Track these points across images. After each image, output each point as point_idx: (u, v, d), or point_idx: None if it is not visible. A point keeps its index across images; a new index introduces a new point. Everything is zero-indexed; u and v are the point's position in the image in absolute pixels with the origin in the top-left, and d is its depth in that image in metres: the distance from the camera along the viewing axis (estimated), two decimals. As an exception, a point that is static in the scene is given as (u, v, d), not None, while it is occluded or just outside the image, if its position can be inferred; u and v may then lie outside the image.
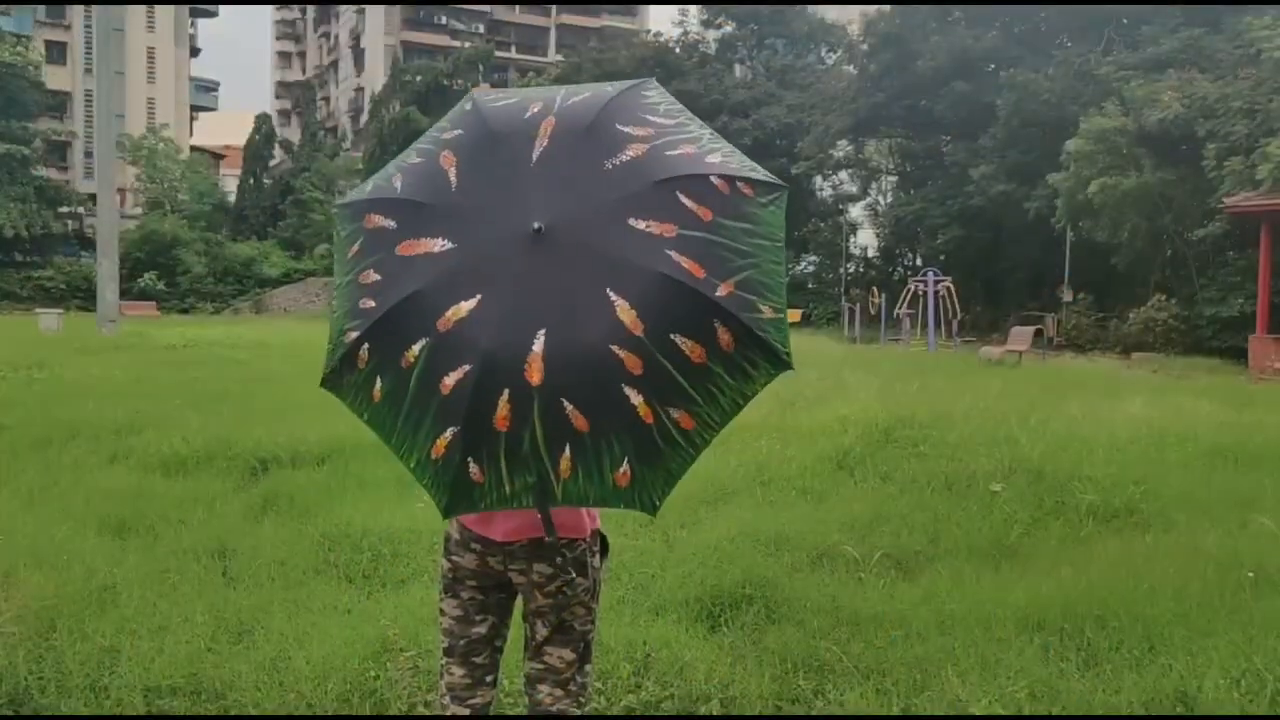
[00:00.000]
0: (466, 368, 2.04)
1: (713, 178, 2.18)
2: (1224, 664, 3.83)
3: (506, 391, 2.02)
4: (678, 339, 2.04)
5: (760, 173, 2.24)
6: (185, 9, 63.04)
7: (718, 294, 2.07)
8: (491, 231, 2.14)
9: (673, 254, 2.07)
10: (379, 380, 2.18)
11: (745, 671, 3.81)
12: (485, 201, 2.18)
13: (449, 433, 2.08)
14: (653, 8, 77.64)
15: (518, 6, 77.96)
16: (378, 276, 2.19)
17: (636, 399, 2.03)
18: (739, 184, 2.18)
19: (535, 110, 2.30)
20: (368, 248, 2.25)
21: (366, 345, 2.17)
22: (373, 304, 2.17)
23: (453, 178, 2.24)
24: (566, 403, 2.02)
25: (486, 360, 2.03)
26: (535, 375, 2.01)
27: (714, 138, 2.30)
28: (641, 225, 2.09)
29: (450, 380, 2.06)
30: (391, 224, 2.23)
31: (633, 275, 2.06)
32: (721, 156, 2.23)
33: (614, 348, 2.01)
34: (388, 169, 2.38)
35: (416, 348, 2.10)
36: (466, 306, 2.08)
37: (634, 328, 2.02)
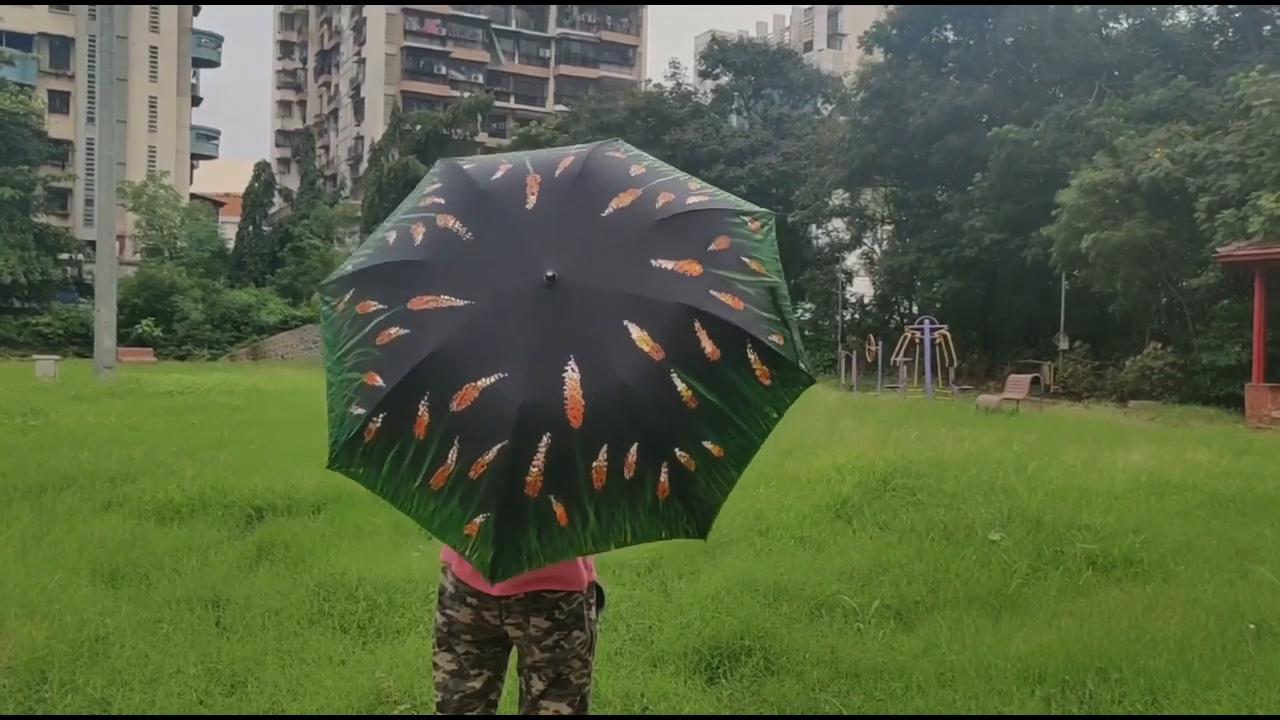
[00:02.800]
0: (501, 445, 2.00)
1: (711, 213, 2.24)
2: (1227, 717, 3.80)
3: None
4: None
5: (746, 205, 2.34)
6: (189, 60, 63.70)
7: (747, 322, 2.13)
8: (505, 284, 2.15)
9: (712, 291, 2.13)
10: (393, 453, 2.11)
11: (744, 725, 3.77)
12: (493, 255, 2.20)
13: (480, 518, 2.05)
14: (650, 58, 78.59)
15: (516, 56, 78.93)
16: (402, 331, 2.12)
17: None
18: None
19: (507, 169, 2.35)
20: (381, 308, 2.18)
21: (382, 416, 2.09)
22: (381, 378, 2.10)
23: (460, 234, 2.24)
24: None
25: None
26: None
27: (689, 179, 2.37)
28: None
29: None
30: (402, 283, 2.19)
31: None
32: (708, 195, 2.31)
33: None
34: (375, 238, 2.35)
35: (430, 419, 2.05)
36: (446, 302, 2.10)
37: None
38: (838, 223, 43.29)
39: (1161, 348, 24.31)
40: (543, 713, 2.68)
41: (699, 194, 2.30)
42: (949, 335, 27.70)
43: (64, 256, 50.72)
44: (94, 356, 25.65)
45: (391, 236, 2.31)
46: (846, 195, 40.83)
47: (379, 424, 2.09)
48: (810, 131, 43.95)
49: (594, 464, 2.02)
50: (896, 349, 28.65)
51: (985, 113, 32.64)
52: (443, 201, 2.32)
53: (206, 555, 6.30)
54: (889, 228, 41.87)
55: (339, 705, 3.70)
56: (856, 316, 41.96)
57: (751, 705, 3.98)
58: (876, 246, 42.99)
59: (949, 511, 7.43)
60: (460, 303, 2.13)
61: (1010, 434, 13.49)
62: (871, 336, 33.68)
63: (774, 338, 2.15)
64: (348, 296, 2.24)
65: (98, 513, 7.58)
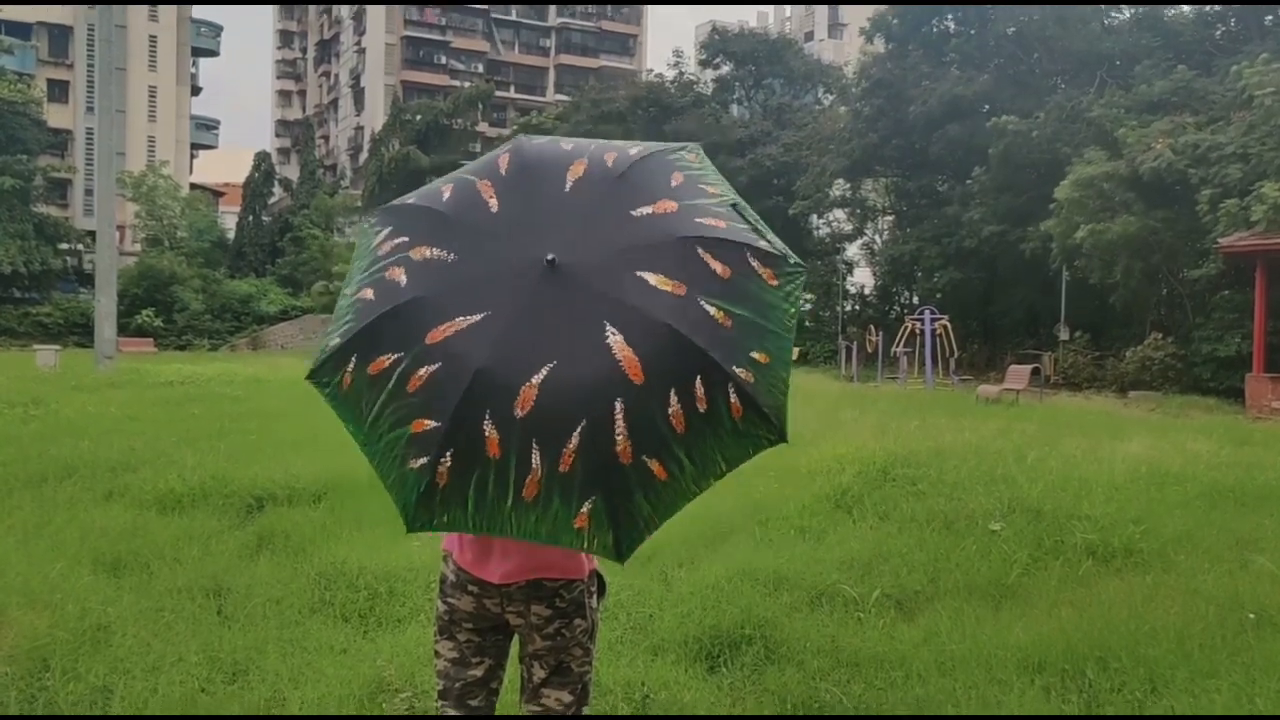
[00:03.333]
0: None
1: (740, 248, 2.22)
2: (1226, 706, 3.81)
3: (488, 412, 2.02)
4: (674, 392, 2.05)
5: (780, 248, 2.30)
6: (188, 49, 63.57)
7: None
8: (506, 254, 2.17)
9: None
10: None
11: (745, 713, 3.77)
12: (509, 228, 2.22)
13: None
14: (650, 48, 78.40)
15: (516, 46, 78.75)
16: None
17: (620, 440, 2.02)
18: (762, 262, 2.23)
19: (568, 149, 2.38)
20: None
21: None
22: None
23: (488, 203, 2.27)
24: (546, 437, 2.02)
25: (478, 377, 2.03)
26: (523, 408, 2.02)
27: (744, 209, 2.35)
28: (651, 279, 2.12)
29: (423, 373, 2.07)
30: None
31: (635, 320, 2.08)
32: (751, 231, 2.28)
33: (609, 389, 2.02)
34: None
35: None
36: (463, 323, 2.09)
37: (630, 369, 2.03)
38: (838, 213, 43.21)
39: (1162, 338, 24.30)
40: (544, 701, 2.69)
41: (745, 227, 2.29)
42: (949, 326, 27.67)
43: (64, 246, 50.71)
44: (94, 346, 25.65)
45: (369, 293, 2.25)
46: (847, 186, 40.74)
47: (449, 463, 2.07)
48: (811, 121, 43.85)
49: (669, 411, 2.04)
50: (897, 339, 28.62)
51: (986, 103, 32.56)
52: (407, 239, 2.29)
53: (207, 545, 6.31)
54: (889, 218, 41.79)
55: (340, 693, 3.71)
56: (857, 307, 41.93)
57: (752, 694, 3.99)
58: (877, 237, 42.92)
59: (949, 501, 7.44)
60: (477, 317, 2.12)
61: (1010, 424, 13.50)
62: (872, 327, 33.64)
63: (760, 243, 2.22)
64: (350, 367, 2.20)
65: (99, 502, 7.59)
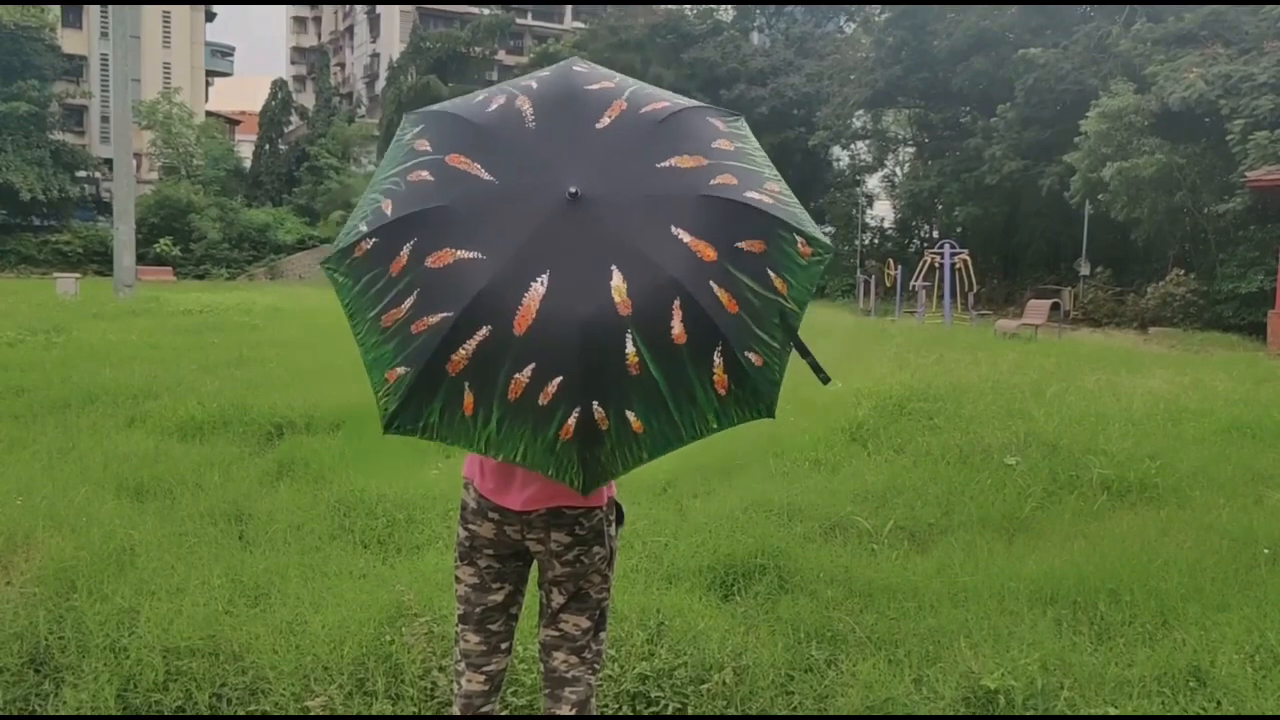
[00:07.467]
0: (445, 314, 2.05)
1: (768, 216, 2.19)
2: (1237, 639, 3.84)
3: (484, 330, 2.04)
4: (671, 335, 2.06)
5: (812, 227, 2.25)
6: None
7: (731, 329, 2.11)
8: (532, 180, 2.16)
9: (712, 281, 2.10)
10: (368, 276, 2.17)
11: (758, 640, 3.83)
12: (539, 153, 2.20)
13: (402, 369, 2.10)
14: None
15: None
16: (429, 177, 2.20)
17: (631, 357, 2.04)
18: (792, 235, 2.20)
19: (609, 86, 2.34)
20: (428, 152, 2.25)
21: (374, 241, 2.17)
22: (390, 209, 2.18)
23: (526, 120, 2.26)
24: (534, 363, 2.03)
25: (474, 303, 2.04)
26: (520, 327, 2.03)
27: (774, 179, 2.30)
28: (684, 237, 2.11)
29: (428, 321, 2.08)
30: (455, 138, 2.25)
31: (644, 269, 2.07)
32: (773, 199, 2.23)
33: (614, 315, 2.02)
34: (482, 94, 2.40)
35: (407, 263, 2.12)
36: (464, 254, 2.09)
37: (623, 307, 2.02)
38: (859, 145, 42.69)
39: (1184, 274, 24.06)
40: (562, 626, 2.73)
41: (765, 194, 2.23)
42: (969, 260, 27.43)
43: (81, 174, 50.65)
44: (114, 275, 25.76)
45: (482, 98, 2.36)
46: (868, 116, 40.20)
47: (369, 246, 2.18)
48: (833, 51, 43.11)
49: (516, 375, 2.03)
50: (916, 273, 28.41)
51: (1011, 34, 31.90)
52: (535, 86, 2.35)
53: (228, 471, 6.39)
54: (910, 149, 41.26)
55: (360, 617, 3.77)
56: (876, 240, 41.62)
57: (765, 622, 4.03)
58: (898, 169, 42.44)
59: (965, 435, 7.44)
60: (486, 177, 2.17)
61: (1028, 359, 13.45)
62: (891, 261, 33.39)
63: (751, 355, 2.14)
64: (417, 130, 2.33)
65: (121, 428, 7.68)
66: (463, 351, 2.05)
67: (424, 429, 2.14)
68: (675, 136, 2.24)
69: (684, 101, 2.36)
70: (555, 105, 2.28)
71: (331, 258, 2.23)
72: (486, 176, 2.17)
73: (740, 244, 2.14)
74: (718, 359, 2.09)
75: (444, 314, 2.05)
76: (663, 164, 2.19)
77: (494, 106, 2.31)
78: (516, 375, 2.04)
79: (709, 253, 2.10)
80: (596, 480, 2.14)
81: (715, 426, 2.15)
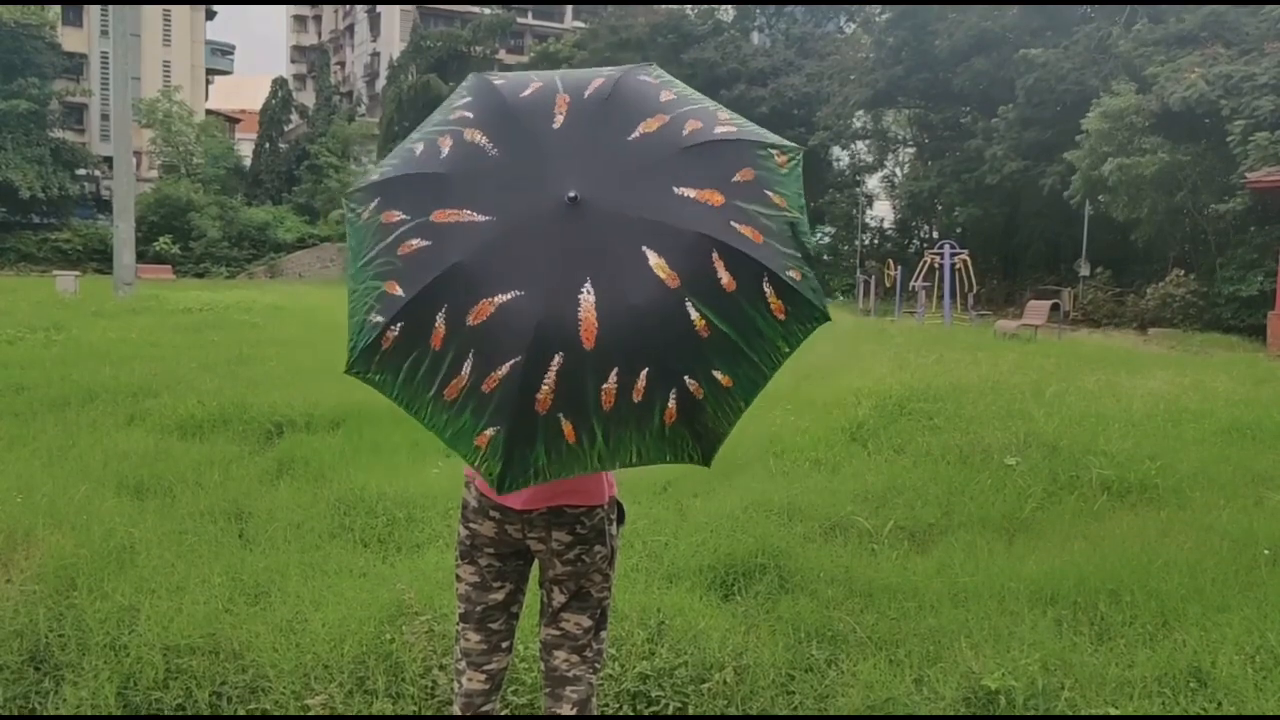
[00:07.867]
0: (514, 360, 2.02)
1: (738, 144, 2.23)
2: (1238, 640, 3.83)
3: (558, 358, 2.01)
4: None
5: (773, 137, 2.31)
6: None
7: (765, 256, 2.12)
8: (527, 202, 2.14)
9: (732, 222, 2.13)
10: (409, 362, 2.12)
11: (758, 640, 3.82)
12: (517, 173, 2.19)
13: (490, 431, 2.06)
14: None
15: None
16: (424, 243, 2.13)
17: (545, 390, 2.03)
18: (767, 151, 2.25)
19: (537, 87, 2.33)
20: (405, 219, 2.18)
21: (400, 325, 2.11)
22: (401, 288, 2.11)
23: (486, 149, 2.23)
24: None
25: (536, 338, 2.01)
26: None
27: (719, 109, 2.35)
28: (690, 194, 2.13)
29: (497, 375, 2.04)
30: (426, 195, 2.19)
31: (674, 237, 2.08)
32: (736, 126, 2.30)
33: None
34: (403, 148, 2.35)
35: (446, 331, 2.07)
36: (503, 299, 2.06)
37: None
38: (859, 145, 42.68)
39: (1184, 275, 24.06)
40: (563, 625, 2.73)
41: (727, 124, 2.29)
42: (969, 260, 27.42)
43: (81, 172, 50.62)
44: (113, 273, 25.74)
45: (419, 148, 2.30)
46: (869, 117, 40.18)
47: (396, 333, 2.11)
48: (834, 51, 43.11)
49: (604, 385, 2.03)
50: (916, 273, 28.39)
51: (1011, 35, 31.89)
52: (471, 115, 2.30)
53: (228, 469, 6.38)
54: (910, 150, 41.25)
55: (361, 615, 3.77)
56: (876, 241, 41.61)
57: (765, 621, 4.03)
58: (898, 170, 42.43)
59: (965, 436, 7.44)
60: (481, 219, 2.13)
61: (1028, 360, 13.45)
62: (891, 261, 33.39)
63: (791, 273, 2.16)
64: (373, 205, 2.24)
65: (121, 426, 7.67)
66: (545, 388, 2.02)
67: (536, 474, 2.10)
68: (631, 105, 2.27)
69: (604, 75, 2.37)
70: (502, 121, 2.27)
71: (356, 361, 2.16)
72: (481, 218, 2.13)
73: (735, 179, 2.19)
74: (767, 288, 2.13)
75: (511, 361, 2.02)
76: (633, 135, 2.21)
77: (446, 151, 2.25)
78: (604, 386, 2.03)
79: (716, 198, 2.15)
80: (712, 448, 2.16)
81: (786, 350, 2.18)
